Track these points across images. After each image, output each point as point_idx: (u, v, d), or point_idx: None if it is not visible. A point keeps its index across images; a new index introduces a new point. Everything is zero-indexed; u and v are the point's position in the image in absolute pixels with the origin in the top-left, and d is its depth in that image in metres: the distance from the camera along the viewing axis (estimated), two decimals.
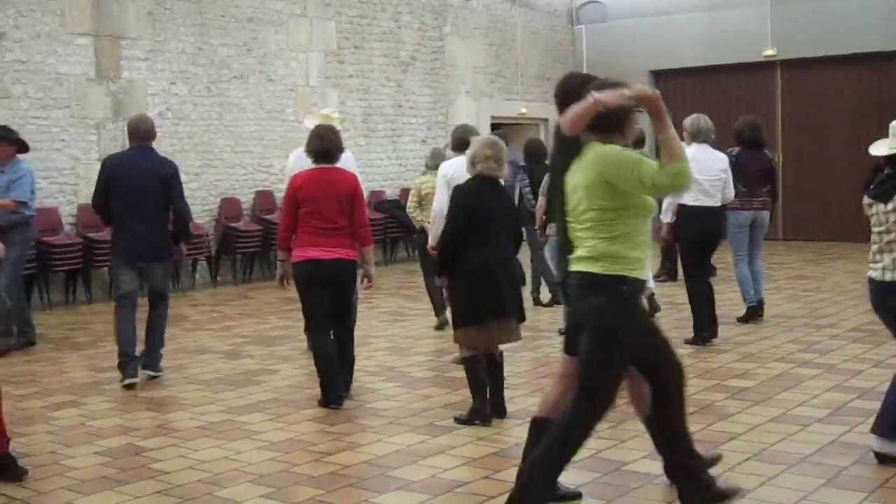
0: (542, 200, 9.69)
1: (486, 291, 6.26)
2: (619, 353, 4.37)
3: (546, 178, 9.61)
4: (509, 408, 6.73)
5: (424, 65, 17.79)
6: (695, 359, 8.23)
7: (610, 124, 4.40)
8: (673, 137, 4.16)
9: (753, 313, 9.89)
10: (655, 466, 5.34)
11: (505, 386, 6.64)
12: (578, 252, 4.43)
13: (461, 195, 6.44)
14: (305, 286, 7.02)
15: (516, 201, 10.48)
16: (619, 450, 5.74)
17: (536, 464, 4.44)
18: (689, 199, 8.80)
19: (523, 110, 19.63)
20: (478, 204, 6.32)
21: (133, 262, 7.96)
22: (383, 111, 17.05)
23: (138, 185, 7.85)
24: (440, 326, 9.75)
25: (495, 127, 17.63)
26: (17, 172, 9.30)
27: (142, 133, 8.00)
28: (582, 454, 5.55)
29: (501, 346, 6.63)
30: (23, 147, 9.58)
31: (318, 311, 7.04)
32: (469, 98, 18.62)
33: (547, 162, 9.96)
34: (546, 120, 20.19)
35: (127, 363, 7.80)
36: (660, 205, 10.30)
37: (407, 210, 10.37)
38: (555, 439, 4.42)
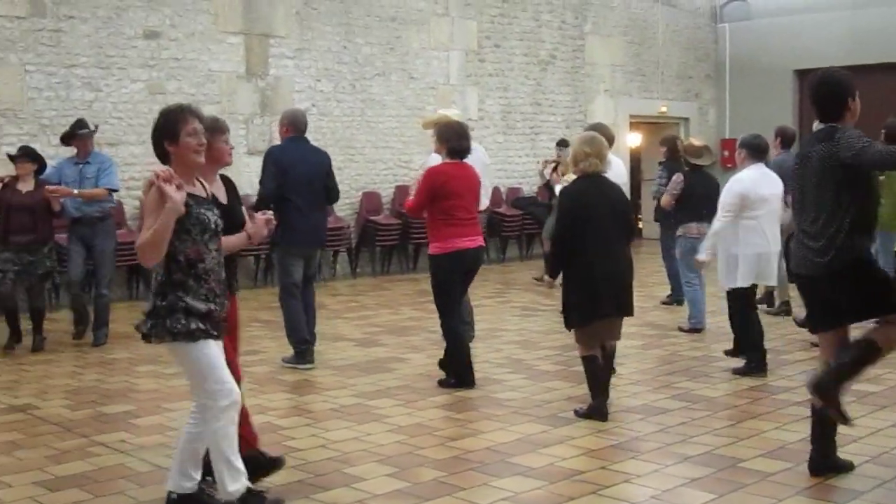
0: (667, 197, 9.68)
1: (601, 290, 6.37)
2: None
3: (677, 176, 9.63)
4: (632, 402, 6.89)
5: (564, 63, 17.90)
6: None
7: None
8: None
9: None
10: (772, 465, 5.44)
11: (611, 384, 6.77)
12: None
13: (565, 198, 6.57)
14: (453, 273, 7.43)
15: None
16: (736, 448, 5.81)
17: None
18: None
19: (663, 109, 19.54)
20: (583, 203, 6.43)
21: (303, 250, 8.32)
22: (522, 109, 17.24)
23: (310, 176, 8.25)
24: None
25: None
26: (103, 162, 9.35)
27: (303, 126, 8.45)
28: (697, 449, 5.71)
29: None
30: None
31: (457, 298, 7.53)
32: (608, 97, 18.64)
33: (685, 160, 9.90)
34: (686, 119, 20.06)
35: (307, 349, 8.26)
36: None
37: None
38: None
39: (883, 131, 10.21)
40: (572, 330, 6.64)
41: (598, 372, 6.55)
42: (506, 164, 16.81)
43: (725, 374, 7.79)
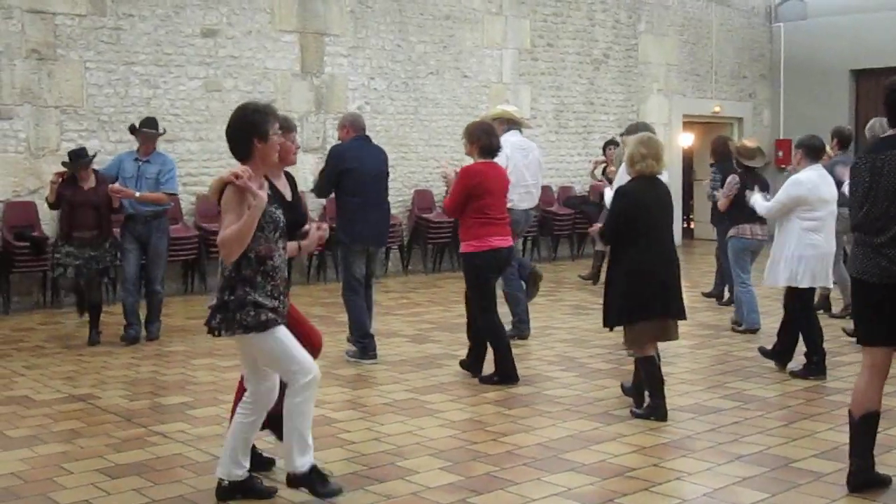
0: (723, 200, 9.63)
1: (650, 291, 6.37)
2: None
3: (732, 178, 9.58)
4: (685, 401, 6.89)
5: (617, 62, 17.86)
6: None
7: None
8: None
9: None
10: (825, 465, 5.43)
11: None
12: None
13: (620, 198, 6.57)
14: (489, 271, 7.55)
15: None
16: (790, 447, 5.81)
17: None
18: None
19: (717, 109, 19.42)
20: (637, 204, 6.44)
21: (366, 248, 8.44)
22: (574, 108, 17.23)
23: (374, 174, 8.38)
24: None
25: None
26: (165, 164, 9.34)
27: (362, 125, 8.59)
28: (750, 449, 5.71)
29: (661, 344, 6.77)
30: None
31: (493, 295, 7.67)
32: (661, 96, 18.57)
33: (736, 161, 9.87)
34: (741, 119, 19.93)
35: (369, 343, 8.38)
36: None
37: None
38: None
39: (835, 139, 10.25)
40: (614, 329, 6.68)
41: (658, 372, 6.53)
42: (557, 164, 16.80)
43: (778, 374, 7.77)
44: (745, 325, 9.57)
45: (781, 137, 19.79)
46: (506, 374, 7.50)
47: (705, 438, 6.01)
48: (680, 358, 8.47)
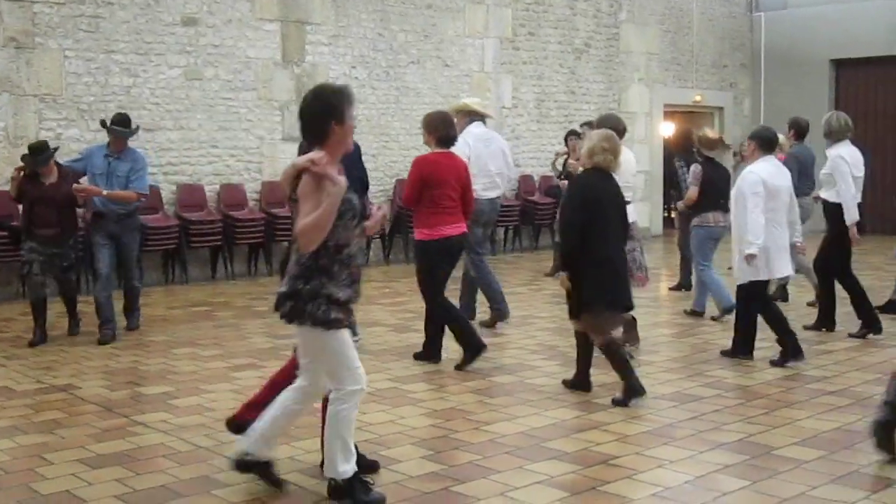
0: (693, 190, 9.74)
1: (617, 281, 6.60)
2: None
3: (695, 167, 9.71)
4: (666, 390, 6.93)
5: (598, 52, 17.87)
6: (858, 352, 8.20)
7: None
8: None
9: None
10: (806, 453, 5.46)
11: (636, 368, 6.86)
12: None
13: (582, 188, 6.72)
14: (440, 259, 7.76)
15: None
16: (771, 435, 5.83)
17: None
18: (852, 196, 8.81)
19: (697, 98, 19.46)
20: (595, 197, 6.61)
21: None
22: (556, 97, 17.24)
23: (344, 165, 8.35)
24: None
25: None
26: (137, 162, 9.00)
27: None
28: (731, 437, 5.74)
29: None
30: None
31: (442, 282, 7.87)
32: (642, 85, 18.59)
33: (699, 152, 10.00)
34: (721, 108, 19.98)
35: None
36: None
37: None
38: None
39: (792, 130, 10.42)
40: (590, 317, 6.73)
41: (623, 352, 6.73)
42: (539, 153, 16.82)
43: (758, 363, 7.80)
44: (723, 306, 9.52)
45: None
46: (473, 347, 7.63)
47: (686, 426, 6.03)
48: (661, 346, 8.52)
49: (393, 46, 14.84)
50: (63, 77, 11.81)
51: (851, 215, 8.73)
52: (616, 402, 6.55)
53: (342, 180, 4.39)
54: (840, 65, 19.29)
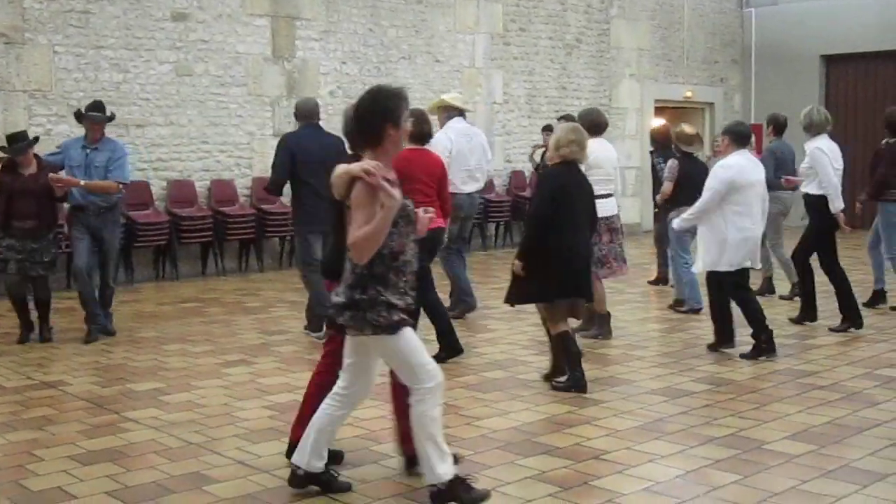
0: (667, 185, 9.85)
1: (576, 271, 6.72)
2: None
3: (671, 162, 9.81)
4: (657, 385, 6.94)
5: (589, 47, 17.87)
6: (848, 346, 8.22)
7: None
8: None
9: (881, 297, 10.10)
10: (797, 447, 5.47)
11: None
12: None
13: (550, 181, 6.83)
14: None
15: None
16: (761, 430, 5.84)
17: None
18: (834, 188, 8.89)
19: (688, 94, 19.48)
20: (563, 189, 6.69)
21: (320, 229, 8.46)
22: (547, 93, 17.23)
23: (322, 159, 8.40)
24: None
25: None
26: (115, 151, 8.68)
27: (315, 113, 8.80)
28: (722, 431, 5.75)
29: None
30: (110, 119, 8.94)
31: (426, 274, 7.75)
32: (633, 81, 18.60)
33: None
34: (712, 104, 20.00)
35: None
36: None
37: None
38: None
39: (770, 126, 10.65)
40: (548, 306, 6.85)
41: (573, 346, 6.85)
42: (529, 148, 16.78)
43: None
44: (688, 306, 9.77)
45: (752, 122, 19.85)
46: (451, 348, 7.68)
47: (677, 421, 6.04)
48: (652, 341, 8.53)
49: (384, 42, 14.83)
50: (53, 73, 11.77)
51: (836, 204, 8.83)
52: (555, 387, 6.80)
53: (397, 194, 4.28)
54: (830, 60, 19.33)
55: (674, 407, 6.38)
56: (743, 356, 7.76)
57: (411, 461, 4.97)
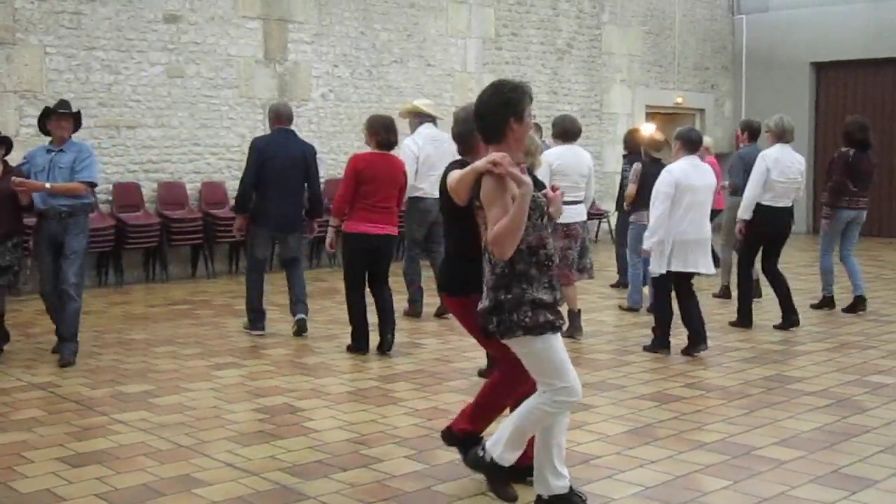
0: (631, 187, 10.03)
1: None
2: None
3: (636, 166, 10.09)
4: (647, 390, 6.94)
5: (580, 53, 17.90)
6: (838, 353, 8.24)
7: None
8: None
9: (828, 303, 10.30)
10: (786, 453, 5.48)
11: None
12: None
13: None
14: (356, 253, 8.15)
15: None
16: (751, 435, 5.85)
17: None
18: (767, 198, 9.18)
19: (679, 100, 19.52)
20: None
21: (272, 233, 9.07)
22: (538, 98, 17.16)
23: (287, 164, 8.88)
24: None
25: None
26: (81, 151, 7.97)
27: (286, 117, 9.10)
28: (712, 437, 5.76)
29: None
30: (78, 123, 8.19)
31: (360, 275, 8.29)
32: (624, 87, 18.64)
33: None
34: (702, 110, 20.04)
35: (259, 317, 9.02)
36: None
37: None
38: None
39: (745, 132, 10.89)
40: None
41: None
42: None
43: (739, 363, 7.85)
44: (629, 303, 10.24)
45: None
46: (361, 345, 8.19)
47: (667, 426, 6.05)
48: (641, 347, 8.53)
49: (376, 45, 14.83)
50: (44, 73, 11.74)
51: (741, 213, 9.30)
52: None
53: (528, 179, 4.19)
54: (820, 67, 19.40)
55: (664, 412, 6.38)
56: (645, 348, 8.28)
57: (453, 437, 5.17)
